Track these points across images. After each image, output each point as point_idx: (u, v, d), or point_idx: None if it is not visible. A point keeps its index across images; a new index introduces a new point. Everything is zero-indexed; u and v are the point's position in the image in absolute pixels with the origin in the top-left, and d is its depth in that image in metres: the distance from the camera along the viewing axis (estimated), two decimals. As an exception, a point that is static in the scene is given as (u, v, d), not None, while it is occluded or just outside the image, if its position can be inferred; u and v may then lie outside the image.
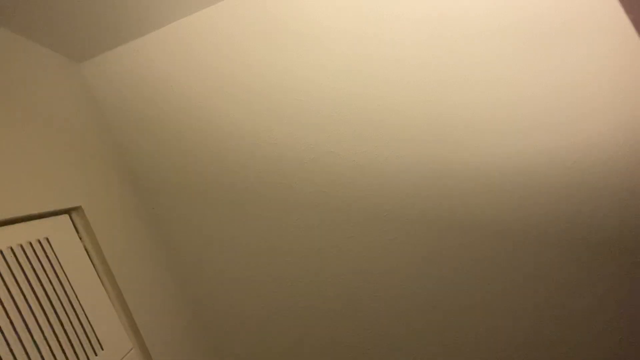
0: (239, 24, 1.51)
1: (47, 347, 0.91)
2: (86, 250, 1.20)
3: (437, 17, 1.39)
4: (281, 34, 1.49)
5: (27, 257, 0.97)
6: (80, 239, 1.20)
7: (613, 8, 1.27)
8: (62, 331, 0.97)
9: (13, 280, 0.90)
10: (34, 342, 0.89)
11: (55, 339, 0.94)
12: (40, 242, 1.02)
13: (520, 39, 1.34)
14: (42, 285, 0.98)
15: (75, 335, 1.01)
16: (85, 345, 1.02)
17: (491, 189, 1.39)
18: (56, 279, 1.03)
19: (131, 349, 1.18)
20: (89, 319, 1.08)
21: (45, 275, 1.00)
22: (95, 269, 1.20)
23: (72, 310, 1.03)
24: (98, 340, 1.07)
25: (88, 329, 1.06)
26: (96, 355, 1.04)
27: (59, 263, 1.06)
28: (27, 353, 0.86)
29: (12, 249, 0.93)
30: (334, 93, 1.48)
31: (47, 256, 1.03)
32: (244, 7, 1.50)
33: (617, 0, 1.27)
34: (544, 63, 1.33)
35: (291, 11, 1.47)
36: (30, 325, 0.90)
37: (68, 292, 1.05)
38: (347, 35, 1.45)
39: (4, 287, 0.87)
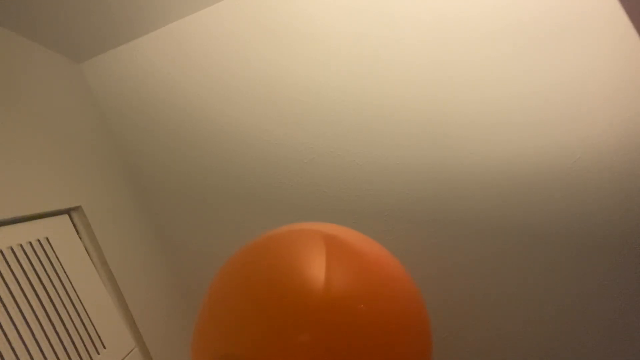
0: (239, 24, 1.51)
1: (49, 346, 0.92)
2: (86, 250, 1.20)
3: (438, 17, 1.39)
4: (282, 33, 1.49)
5: (27, 257, 0.97)
6: (80, 239, 1.20)
7: (613, 8, 1.27)
8: (64, 330, 0.98)
9: (14, 280, 0.91)
10: (36, 341, 0.89)
11: (57, 338, 0.95)
12: (40, 242, 1.03)
13: (520, 39, 1.34)
14: (42, 285, 0.98)
15: (76, 334, 1.01)
16: (87, 344, 1.03)
17: (492, 188, 1.39)
18: (57, 279, 1.03)
19: (133, 348, 1.19)
20: (90, 318, 1.08)
21: (45, 275, 1.00)
22: (96, 269, 1.20)
23: (73, 309, 1.04)
24: (100, 339, 1.08)
25: (89, 328, 1.06)
26: (98, 354, 1.05)
27: (59, 263, 1.06)
28: (29, 352, 0.86)
29: (12, 249, 0.94)
30: (334, 93, 1.48)
31: (47, 256, 1.03)
32: (244, 7, 1.50)
33: (617, 0, 1.27)
34: (544, 62, 1.33)
35: (292, 11, 1.47)
36: (31, 325, 0.90)
37: (69, 292, 1.05)
38: (347, 35, 1.45)
39: (5, 287, 0.88)
